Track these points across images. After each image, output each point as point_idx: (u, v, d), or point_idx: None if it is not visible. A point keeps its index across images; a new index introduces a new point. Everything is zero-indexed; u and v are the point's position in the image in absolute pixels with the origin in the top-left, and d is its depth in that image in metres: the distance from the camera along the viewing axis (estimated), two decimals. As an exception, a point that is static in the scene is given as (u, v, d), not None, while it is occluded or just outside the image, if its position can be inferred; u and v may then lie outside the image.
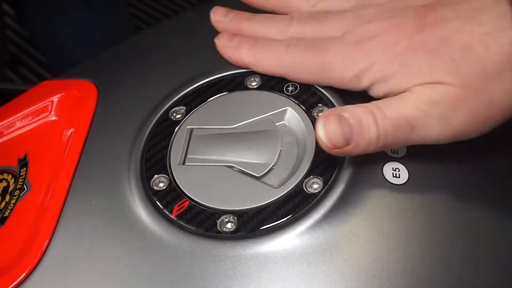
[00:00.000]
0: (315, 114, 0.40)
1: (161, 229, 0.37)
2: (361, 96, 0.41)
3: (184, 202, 0.38)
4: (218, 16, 0.45)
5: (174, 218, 0.37)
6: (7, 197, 0.44)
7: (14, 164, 0.46)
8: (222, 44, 0.43)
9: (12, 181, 0.45)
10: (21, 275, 0.37)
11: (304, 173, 0.37)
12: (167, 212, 0.37)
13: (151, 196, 0.38)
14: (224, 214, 0.36)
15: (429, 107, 0.34)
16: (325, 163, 0.37)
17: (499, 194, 0.37)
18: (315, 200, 0.36)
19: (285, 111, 0.41)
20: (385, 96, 0.37)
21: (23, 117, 0.49)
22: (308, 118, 0.40)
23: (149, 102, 0.44)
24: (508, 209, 0.36)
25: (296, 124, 0.40)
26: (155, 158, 0.40)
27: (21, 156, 0.47)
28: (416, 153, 0.38)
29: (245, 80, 0.43)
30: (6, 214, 0.43)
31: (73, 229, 0.39)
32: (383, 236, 0.34)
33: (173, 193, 0.38)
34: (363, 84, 0.37)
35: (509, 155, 0.39)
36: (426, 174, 0.37)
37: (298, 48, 0.40)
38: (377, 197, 0.36)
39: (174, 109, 0.43)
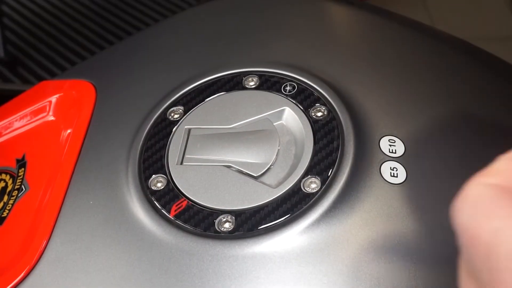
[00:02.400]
0: (313, 114, 0.40)
1: (159, 229, 0.37)
2: (360, 95, 0.41)
3: (182, 202, 0.38)
4: None
5: (172, 218, 0.37)
6: (5, 198, 0.44)
7: (12, 165, 0.46)
8: None
9: (10, 181, 0.45)
10: (19, 274, 0.37)
11: (302, 172, 0.37)
12: (165, 212, 0.37)
13: (149, 196, 0.38)
14: (222, 214, 0.36)
15: None
16: (322, 162, 0.37)
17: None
18: (313, 199, 0.36)
19: (283, 111, 0.41)
20: None
21: (21, 117, 0.49)
22: (306, 117, 0.40)
23: (147, 102, 0.44)
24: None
25: (294, 123, 0.40)
26: (153, 158, 0.40)
27: (19, 157, 0.47)
28: (414, 153, 0.38)
29: (243, 80, 0.43)
30: (4, 214, 0.43)
31: (71, 229, 0.39)
32: (380, 235, 0.34)
33: (171, 193, 0.38)
34: None
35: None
36: (423, 173, 0.37)
37: None
38: (375, 197, 0.36)
39: (172, 109, 0.43)
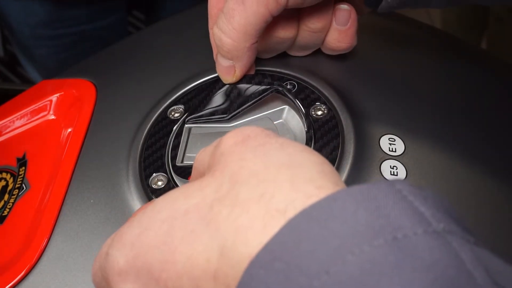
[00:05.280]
0: (313, 113, 0.40)
1: (159, 227, 0.37)
2: (360, 94, 0.42)
3: (183, 200, 0.38)
4: None
5: (173, 216, 0.37)
6: (6, 196, 0.44)
7: (13, 163, 0.46)
8: None
9: (11, 180, 0.45)
10: (20, 273, 0.37)
11: (302, 171, 0.37)
12: (165, 211, 0.37)
13: (149, 195, 0.38)
14: (222, 212, 0.36)
15: None
16: (323, 161, 0.37)
17: (497, 191, 0.37)
18: (313, 198, 0.36)
19: (283, 109, 0.41)
20: None
21: (22, 116, 0.49)
22: (306, 116, 0.40)
23: (147, 101, 0.45)
24: (507, 205, 0.36)
25: (294, 122, 0.41)
26: (153, 157, 0.40)
27: (20, 155, 0.47)
28: (414, 151, 0.38)
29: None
30: (5, 213, 0.43)
31: (72, 227, 0.39)
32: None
33: (172, 192, 0.38)
34: None
35: (508, 154, 0.39)
36: (423, 171, 0.37)
37: None
38: (375, 195, 0.36)
39: (172, 107, 0.43)
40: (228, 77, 0.41)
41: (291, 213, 0.21)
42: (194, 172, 0.30)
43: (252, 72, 0.42)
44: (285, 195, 0.22)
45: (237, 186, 0.23)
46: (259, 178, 0.23)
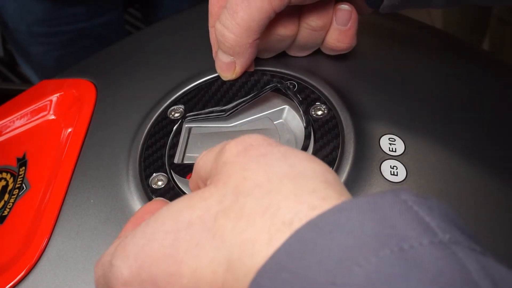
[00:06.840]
0: (313, 113, 0.40)
1: (159, 227, 0.37)
2: (360, 94, 0.42)
3: (183, 200, 0.38)
4: None
5: (173, 216, 0.37)
6: (6, 196, 0.44)
7: (13, 163, 0.46)
8: None
9: (11, 180, 0.45)
10: (20, 273, 0.37)
11: (302, 171, 0.37)
12: (165, 210, 0.37)
13: (149, 195, 0.38)
14: (222, 212, 0.36)
15: None
16: (323, 161, 0.37)
17: (497, 191, 0.37)
18: (313, 198, 0.35)
19: (283, 109, 0.41)
20: None
21: (22, 116, 0.49)
22: (306, 116, 0.40)
23: (147, 101, 0.44)
24: (507, 205, 0.36)
25: (294, 122, 0.41)
26: (153, 157, 0.40)
27: (20, 155, 0.47)
28: (414, 151, 0.38)
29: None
30: (5, 213, 0.43)
31: (72, 227, 0.39)
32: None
33: (172, 192, 0.38)
34: None
35: (508, 154, 0.39)
36: (423, 171, 0.37)
37: None
38: (375, 195, 0.36)
39: (172, 107, 0.43)
40: (228, 74, 0.41)
41: (296, 225, 0.21)
42: (195, 175, 0.30)
43: (252, 70, 0.42)
44: (290, 207, 0.22)
45: (241, 198, 0.23)
46: (263, 190, 0.23)
